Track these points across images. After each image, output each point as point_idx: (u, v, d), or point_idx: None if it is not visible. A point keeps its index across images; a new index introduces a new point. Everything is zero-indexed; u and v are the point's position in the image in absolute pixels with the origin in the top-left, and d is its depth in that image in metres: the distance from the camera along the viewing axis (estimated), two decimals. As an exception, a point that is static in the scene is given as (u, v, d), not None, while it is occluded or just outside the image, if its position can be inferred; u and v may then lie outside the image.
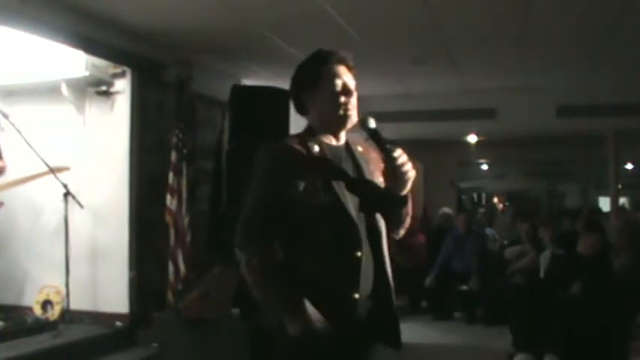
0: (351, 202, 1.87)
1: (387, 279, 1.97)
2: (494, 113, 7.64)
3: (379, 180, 1.98)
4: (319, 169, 1.88)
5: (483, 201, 17.28)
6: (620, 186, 9.23)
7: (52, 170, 4.77)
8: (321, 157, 1.90)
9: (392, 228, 2.03)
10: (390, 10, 4.62)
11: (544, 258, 6.02)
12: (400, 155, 1.87)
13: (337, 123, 1.96)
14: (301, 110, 2.02)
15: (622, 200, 12.66)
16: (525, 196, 17.53)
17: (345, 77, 1.96)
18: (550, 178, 15.80)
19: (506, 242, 7.84)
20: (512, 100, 7.48)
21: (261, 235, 1.85)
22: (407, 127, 7.90)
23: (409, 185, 1.90)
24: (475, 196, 17.23)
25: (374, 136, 1.91)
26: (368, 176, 1.97)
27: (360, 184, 1.95)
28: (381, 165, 1.97)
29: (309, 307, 1.79)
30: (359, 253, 1.85)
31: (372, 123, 1.93)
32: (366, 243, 1.88)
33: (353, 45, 5.23)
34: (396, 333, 1.98)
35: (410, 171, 1.88)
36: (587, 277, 4.93)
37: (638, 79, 6.64)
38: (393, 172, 1.88)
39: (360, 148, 2.03)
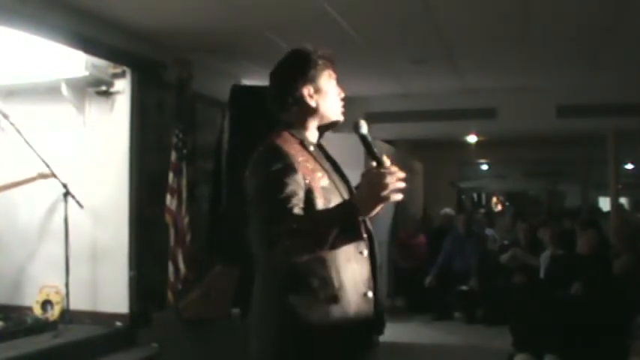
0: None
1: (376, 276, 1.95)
2: (495, 113, 7.64)
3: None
4: (320, 167, 1.88)
5: (483, 201, 17.29)
6: (620, 186, 9.22)
7: (51, 174, 4.77)
8: (318, 156, 1.92)
9: None
10: (390, 11, 4.62)
11: (544, 258, 6.02)
12: (390, 166, 1.68)
13: (332, 123, 1.98)
14: (287, 106, 1.94)
15: (622, 200, 12.65)
16: (525, 196, 17.55)
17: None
18: (550, 178, 15.81)
19: (506, 242, 7.84)
20: (512, 100, 7.48)
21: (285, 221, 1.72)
22: (407, 127, 7.91)
23: (379, 205, 1.65)
24: (475, 196, 17.23)
25: (362, 141, 1.81)
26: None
27: (348, 183, 1.97)
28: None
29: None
30: (365, 252, 1.87)
31: (364, 128, 1.81)
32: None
33: (353, 45, 5.24)
34: (382, 320, 1.97)
35: (391, 186, 1.61)
36: (587, 277, 4.94)
37: (638, 79, 6.64)
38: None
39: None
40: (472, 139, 9.53)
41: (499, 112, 7.63)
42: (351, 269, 1.82)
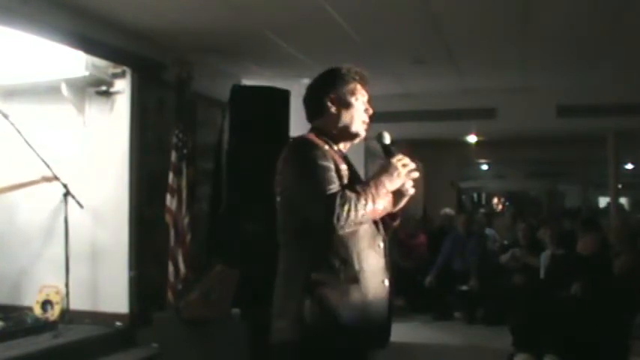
0: None
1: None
2: (494, 113, 7.64)
3: None
4: (347, 169, 2.05)
5: (483, 201, 17.28)
6: (620, 186, 9.22)
7: (54, 177, 4.77)
8: (343, 158, 2.09)
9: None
10: (390, 10, 4.61)
11: (544, 258, 6.03)
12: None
13: (355, 137, 2.15)
14: (313, 111, 2.14)
15: (622, 200, 12.63)
16: (525, 196, 17.53)
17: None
18: (550, 178, 15.80)
19: (506, 242, 7.84)
20: (512, 100, 7.48)
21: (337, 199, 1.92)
22: (407, 127, 7.89)
23: (395, 184, 2.00)
24: (475, 196, 17.23)
25: (384, 151, 2.04)
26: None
27: None
28: None
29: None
30: (382, 245, 2.06)
31: (387, 139, 2.06)
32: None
33: (353, 45, 5.23)
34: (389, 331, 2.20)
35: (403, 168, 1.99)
36: (587, 277, 4.93)
37: (638, 78, 6.64)
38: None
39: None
40: (472, 139, 9.52)
41: (499, 112, 7.62)
42: (371, 257, 1.99)
